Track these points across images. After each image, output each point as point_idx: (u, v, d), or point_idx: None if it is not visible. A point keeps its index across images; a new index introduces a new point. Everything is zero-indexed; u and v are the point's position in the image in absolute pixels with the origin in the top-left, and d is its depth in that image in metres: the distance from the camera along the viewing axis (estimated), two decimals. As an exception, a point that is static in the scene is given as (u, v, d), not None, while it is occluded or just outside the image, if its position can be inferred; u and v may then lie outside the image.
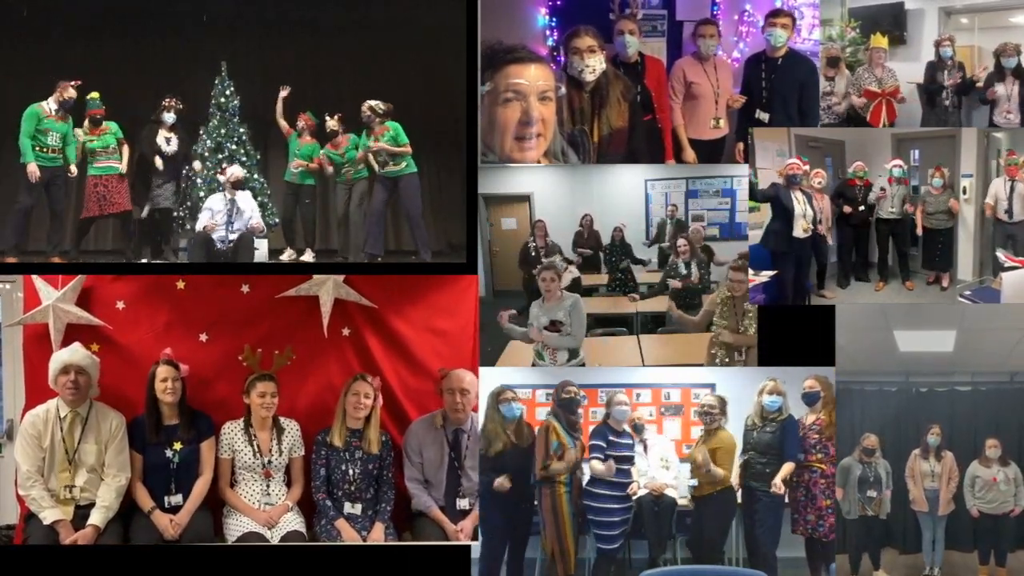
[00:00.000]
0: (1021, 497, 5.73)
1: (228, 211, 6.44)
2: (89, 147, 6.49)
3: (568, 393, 5.46)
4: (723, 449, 5.50)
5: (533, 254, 6.62)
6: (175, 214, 6.83)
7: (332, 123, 6.88)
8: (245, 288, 5.43)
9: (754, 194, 5.96)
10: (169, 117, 6.69)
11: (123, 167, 6.58)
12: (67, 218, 6.59)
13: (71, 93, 6.36)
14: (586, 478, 5.51)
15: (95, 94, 6.47)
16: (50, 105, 6.32)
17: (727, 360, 5.76)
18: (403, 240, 7.06)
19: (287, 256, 6.88)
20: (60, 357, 5.09)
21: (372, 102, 6.63)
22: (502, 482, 5.35)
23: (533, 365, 5.74)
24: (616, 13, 5.94)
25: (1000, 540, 5.74)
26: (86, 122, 6.48)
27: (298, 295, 5.41)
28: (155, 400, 5.14)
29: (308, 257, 6.92)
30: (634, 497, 5.54)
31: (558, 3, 6.14)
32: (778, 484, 5.39)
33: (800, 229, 5.94)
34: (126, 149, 6.60)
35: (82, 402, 5.09)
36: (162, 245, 6.74)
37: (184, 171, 6.88)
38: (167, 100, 6.70)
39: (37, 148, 6.27)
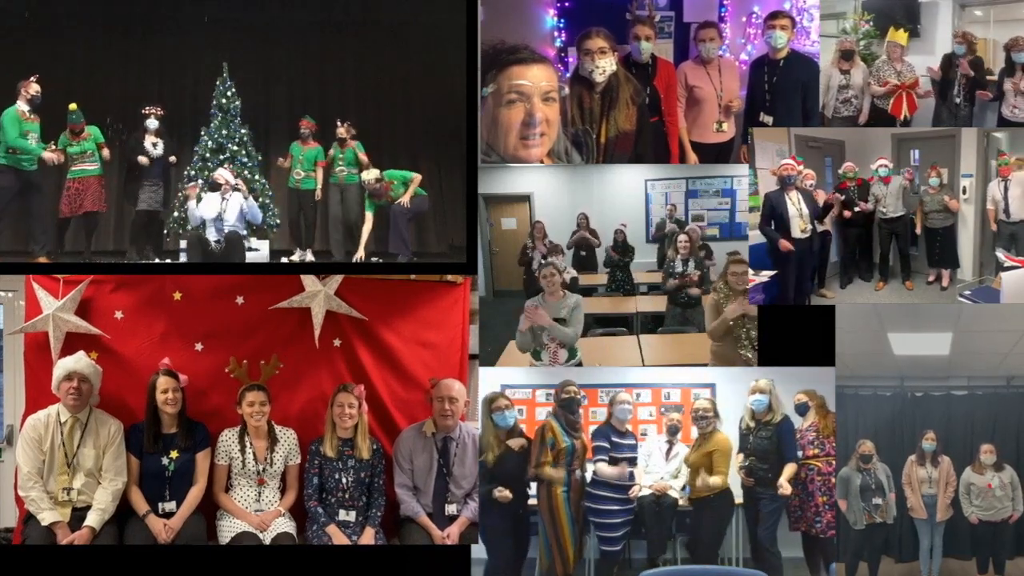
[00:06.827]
0: (1019, 502, 5.70)
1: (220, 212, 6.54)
2: (69, 151, 6.46)
3: (568, 393, 5.47)
4: (719, 452, 5.50)
5: (530, 254, 6.62)
6: (168, 218, 6.83)
7: (342, 131, 6.94)
8: (240, 299, 5.47)
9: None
10: (152, 123, 6.68)
11: (99, 167, 6.56)
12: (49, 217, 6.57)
13: (35, 89, 6.28)
14: (588, 477, 5.51)
15: (73, 105, 6.42)
16: (22, 106, 6.24)
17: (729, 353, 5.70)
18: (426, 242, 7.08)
19: (297, 257, 6.88)
20: (65, 364, 5.09)
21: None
22: (502, 493, 5.35)
23: (531, 364, 5.71)
24: (632, 15, 5.88)
25: (999, 547, 5.70)
26: (67, 131, 6.44)
27: (291, 307, 5.44)
28: (155, 410, 5.15)
29: (309, 257, 6.93)
30: (635, 498, 5.54)
31: (567, 4, 6.13)
32: (783, 484, 5.42)
33: (798, 229, 5.91)
34: (106, 152, 6.59)
35: (83, 408, 5.10)
36: (153, 247, 6.73)
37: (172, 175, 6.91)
38: (147, 109, 6.68)
39: (14, 151, 6.22)
